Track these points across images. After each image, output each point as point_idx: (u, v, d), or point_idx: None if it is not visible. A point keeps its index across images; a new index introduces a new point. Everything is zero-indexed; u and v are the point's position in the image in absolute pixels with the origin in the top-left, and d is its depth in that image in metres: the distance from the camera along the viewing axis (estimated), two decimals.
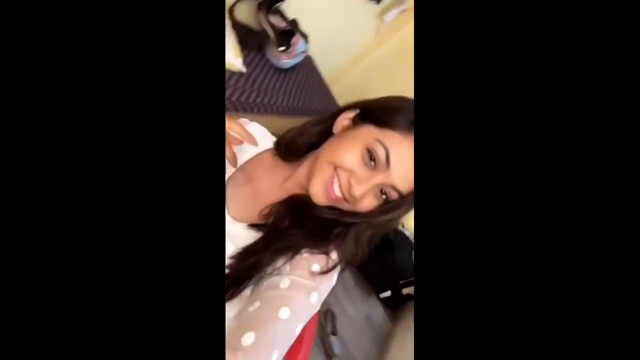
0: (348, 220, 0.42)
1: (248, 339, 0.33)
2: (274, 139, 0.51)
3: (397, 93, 0.45)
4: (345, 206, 0.41)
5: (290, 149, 0.47)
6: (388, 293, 1.71)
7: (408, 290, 1.71)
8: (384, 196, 0.40)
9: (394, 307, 1.76)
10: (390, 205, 0.41)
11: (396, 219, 0.43)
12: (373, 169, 0.39)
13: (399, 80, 0.99)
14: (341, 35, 1.64)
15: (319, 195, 0.41)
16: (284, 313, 0.35)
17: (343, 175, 0.40)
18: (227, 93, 0.87)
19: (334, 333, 1.38)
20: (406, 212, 0.42)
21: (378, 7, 1.56)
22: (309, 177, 0.42)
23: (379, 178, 0.39)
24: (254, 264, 0.40)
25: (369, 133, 0.40)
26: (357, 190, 0.39)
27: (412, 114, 0.40)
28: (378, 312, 1.72)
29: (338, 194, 0.40)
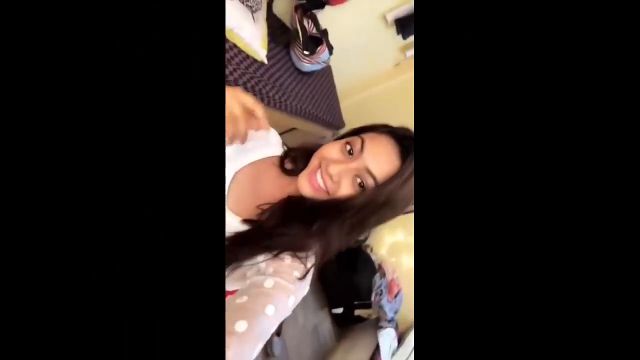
0: (329, 205, 0.45)
1: (241, 326, 0.35)
2: (283, 148, 0.56)
3: (398, 124, 0.51)
4: (324, 196, 0.45)
5: (292, 166, 0.53)
6: (340, 310, 1.74)
7: (359, 312, 1.75)
8: (360, 185, 0.44)
9: (342, 324, 1.78)
10: (367, 192, 0.44)
11: (376, 216, 0.46)
12: (350, 158, 0.44)
13: (403, 113, 1.05)
14: (363, 57, 1.71)
15: (304, 185, 0.45)
16: (270, 310, 0.38)
17: (324, 164, 0.44)
18: (244, 79, 0.91)
19: (278, 334, 1.39)
20: (392, 216, 0.46)
21: (404, 42, 1.65)
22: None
23: (354, 164, 0.43)
24: (236, 254, 0.43)
25: (352, 136, 0.46)
26: (333, 169, 0.43)
27: (391, 127, 0.47)
28: (326, 325, 1.74)
29: (320, 182, 0.44)
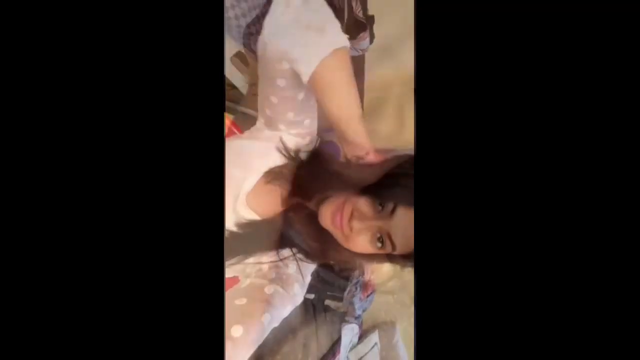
0: (335, 254, 0.46)
1: (237, 331, 0.35)
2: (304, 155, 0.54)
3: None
4: (340, 237, 0.43)
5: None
6: (312, 296, 1.77)
7: (329, 303, 1.78)
8: (379, 244, 0.41)
9: (310, 310, 1.82)
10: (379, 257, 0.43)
11: None
12: (378, 213, 0.41)
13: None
14: (399, 55, 1.64)
15: (326, 219, 0.43)
16: (266, 318, 0.38)
17: (347, 209, 0.41)
18: None
19: None
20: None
21: None
22: (321, 201, 0.44)
23: (380, 222, 0.40)
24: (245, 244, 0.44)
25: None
26: (356, 224, 0.40)
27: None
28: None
29: (339, 222, 0.42)
